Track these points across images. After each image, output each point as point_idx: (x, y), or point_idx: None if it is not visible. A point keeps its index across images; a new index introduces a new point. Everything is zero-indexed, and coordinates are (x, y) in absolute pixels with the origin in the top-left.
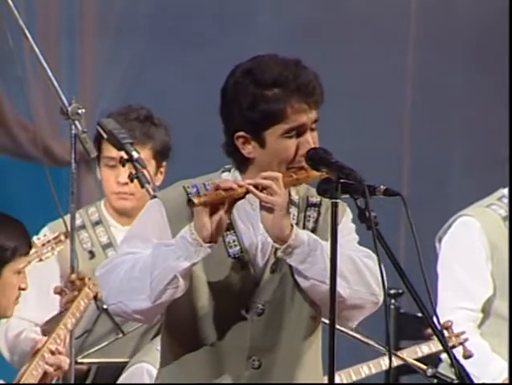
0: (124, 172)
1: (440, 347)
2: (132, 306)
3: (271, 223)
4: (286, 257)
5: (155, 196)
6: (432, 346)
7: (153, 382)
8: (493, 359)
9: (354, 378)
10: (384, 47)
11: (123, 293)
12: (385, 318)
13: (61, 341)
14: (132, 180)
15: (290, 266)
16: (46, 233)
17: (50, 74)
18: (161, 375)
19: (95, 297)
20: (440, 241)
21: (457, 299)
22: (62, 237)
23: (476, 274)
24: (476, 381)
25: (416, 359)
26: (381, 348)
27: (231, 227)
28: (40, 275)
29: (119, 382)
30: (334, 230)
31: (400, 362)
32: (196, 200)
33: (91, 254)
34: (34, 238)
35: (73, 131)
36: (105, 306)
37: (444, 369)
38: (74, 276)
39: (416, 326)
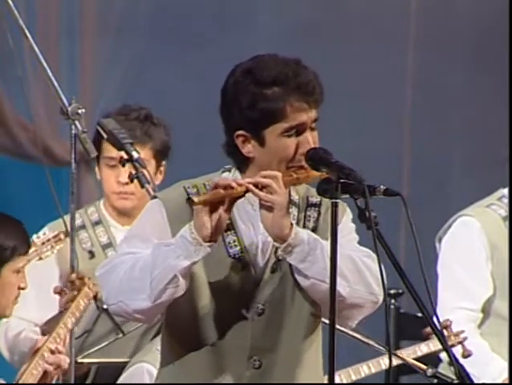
0: (125, 172)
1: (440, 346)
2: (133, 306)
3: (271, 222)
4: (286, 255)
5: (155, 197)
6: (431, 346)
7: (153, 382)
8: (493, 359)
9: (353, 378)
10: (384, 47)
11: (124, 293)
12: (385, 318)
13: (61, 340)
14: (132, 180)
15: (291, 266)
16: (45, 232)
17: (50, 74)
18: (161, 375)
19: (95, 297)
20: (440, 241)
21: (457, 299)
22: (62, 236)
23: (476, 274)
24: (476, 381)
25: (416, 359)
26: (381, 348)
27: (231, 227)
28: (40, 275)
29: (119, 382)
30: (334, 230)
31: (400, 362)
32: (195, 199)
33: (91, 254)
34: (34, 237)
35: (73, 131)
36: (105, 306)
37: (444, 369)
38: (73, 276)
39: (416, 326)
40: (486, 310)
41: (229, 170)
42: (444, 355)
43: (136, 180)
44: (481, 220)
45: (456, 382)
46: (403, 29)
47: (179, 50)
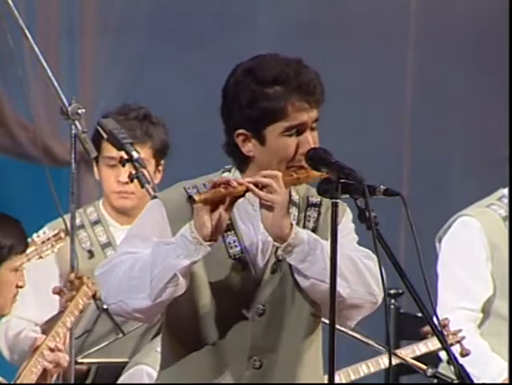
0: (125, 172)
1: (438, 345)
2: (133, 305)
3: (271, 221)
4: (285, 255)
5: (155, 197)
6: (429, 345)
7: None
8: (493, 359)
9: (353, 378)
10: (384, 47)
11: (123, 292)
12: (385, 318)
13: (60, 339)
14: (132, 180)
15: (291, 266)
16: (45, 231)
17: (50, 74)
18: (162, 376)
19: (94, 296)
20: (440, 241)
21: (457, 299)
22: (62, 234)
23: (476, 274)
24: (476, 381)
25: (416, 359)
26: (381, 348)
27: (232, 227)
28: (40, 275)
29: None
30: (334, 230)
31: (399, 361)
32: (196, 197)
33: (90, 254)
34: (34, 236)
35: (73, 131)
36: (105, 306)
37: (444, 369)
38: (72, 275)
39: (416, 326)
40: (486, 310)
41: (229, 170)
42: (444, 355)
43: (136, 180)
44: (481, 220)
45: (456, 382)
46: (403, 29)
47: (179, 50)
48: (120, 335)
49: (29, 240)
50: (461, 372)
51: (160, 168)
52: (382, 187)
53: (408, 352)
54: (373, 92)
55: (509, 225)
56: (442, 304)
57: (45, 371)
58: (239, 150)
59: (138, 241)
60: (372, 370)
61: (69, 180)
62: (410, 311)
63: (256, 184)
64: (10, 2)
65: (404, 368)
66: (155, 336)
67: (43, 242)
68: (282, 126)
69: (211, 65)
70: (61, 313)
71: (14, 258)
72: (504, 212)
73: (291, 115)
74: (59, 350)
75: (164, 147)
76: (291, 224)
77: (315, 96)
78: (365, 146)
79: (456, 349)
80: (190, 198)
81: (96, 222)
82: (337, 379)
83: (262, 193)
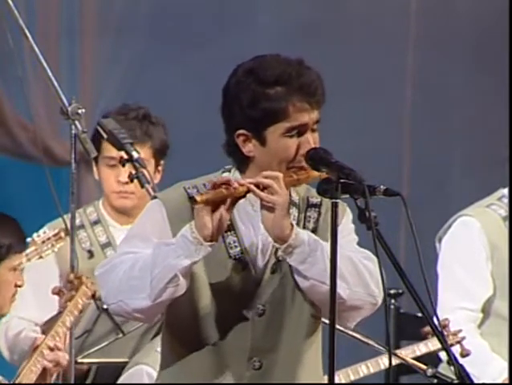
0: (124, 172)
1: (439, 346)
2: (133, 305)
3: (272, 222)
4: (286, 256)
5: (155, 197)
6: (430, 345)
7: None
8: (493, 359)
9: (352, 378)
10: (384, 47)
11: (123, 292)
12: (385, 318)
13: (60, 338)
14: (132, 180)
15: (291, 267)
16: (45, 230)
17: (50, 74)
18: (162, 376)
19: (93, 296)
20: (440, 241)
21: (457, 299)
22: (63, 234)
23: (476, 274)
24: (476, 381)
25: (416, 359)
26: (381, 348)
27: (232, 228)
28: (40, 275)
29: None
30: (334, 230)
31: (399, 362)
32: (198, 198)
33: (90, 254)
34: (34, 236)
35: (73, 131)
36: (105, 306)
37: (444, 369)
38: (71, 275)
39: (416, 326)
40: (486, 310)
41: (229, 170)
42: (444, 355)
43: (135, 180)
44: (481, 220)
45: (456, 382)
46: (403, 29)
47: (179, 50)
48: (120, 335)
49: (29, 240)
50: (461, 372)
51: (160, 168)
52: (382, 187)
53: (408, 352)
54: (373, 92)
55: (510, 225)
56: (442, 304)
57: (45, 370)
58: (239, 150)
59: (138, 241)
60: (372, 370)
61: (69, 180)
62: (410, 311)
63: (257, 185)
64: (10, 2)
65: (404, 368)
66: (155, 336)
67: (43, 242)
68: (283, 127)
69: (211, 65)
70: (61, 313)
71: (12, 257)
72: (504, 212)
73: (292, 115)
74: (59, 350)
75: (163, 147)
76: (292, 225)
77: (316, 97)
78: (365, 146)
79: (456, 349)
80: (192, 199)
81: (96, 222)
82: (336, 380)
83: (263, 194)
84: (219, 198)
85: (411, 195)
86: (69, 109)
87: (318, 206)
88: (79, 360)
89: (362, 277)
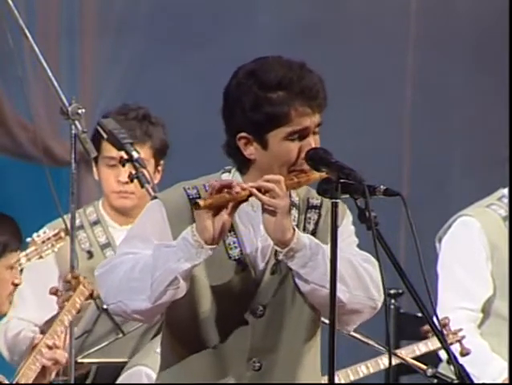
0: (124, 172)
1: (439, 345)
2: (132, 306)
3: (273, 226)
4: (287, 260)
5: (155, 197)
6: (429, 345)
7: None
8: (493, 359)
9: (352, 378)
10: (384, 47)
11: (123, 293)
12: (385, 318)
13: (58, 336)
14: (132, 180)
15: (291, 269)
16: (45, 230)
17: (50, 74)
18: (162, 377)
19: (92, 295)
20: (440, 241)
21: (457, 299)
22: (63, 234)
23: (476, 274)
24: (476, 381)
25: (416, 359)
26: (381, 348)
27: (232, 229)
28: (39, 276)
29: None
30: (334, 230)
31: (399, 361)
32: (201, 203)
33: (90, 254)
34: (34, 236)
35: (73, 131)
36: (105, 306)
37: (444, 369)
38: (69, 276)
39: (416, 326)
40: (486, 310)
41: (229, 171)
42: (444, 355)
43: (135, 180)
44: (481, 220)
45: (456, 382)
46: (403, 29)
47: (179, 50)
48: (120, 335)
49: (29, 240)
50: (461, 372)
51: (160, 168)
52: (382, 187)
53: (408, 352)
54: (373, 92)
55: (510, 225)
56: (442, 304)
57: (44, 369)
58: (240, 152)
59: (138, 242)
60: (372, 370)
61: (69, 180)
62: (410, 311)
63: (259, 189)
64: (10, 2)
65: (404, 368)
66: (155, 336)
67: (43, 242)
68: (285, 131)
69: (211, 65)
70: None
71: (8, 256)
72: (504, 212)
73: (294, 120)
74: (57, 348)
75: (163, 147)
76: (293, 229)
77: (318, 101)
78: (365, 146)
79: (456, 348)
80: (194, 204)
81: (96, 223)
82: (336, 380)
83: (264, 198)
84: (222, 203)
85: (411, 195)
86: (69, 109)
87: (318, 207)
88: (79, 360)
89: (362, 281)
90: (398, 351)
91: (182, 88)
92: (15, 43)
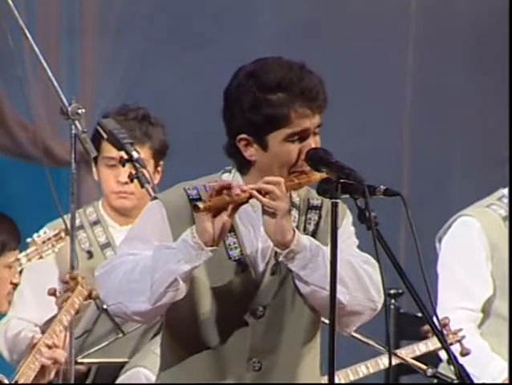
0: (124, 172)
1: (438, 345)
2: (132, 308)
3: (274, 228)
4: (287, 262)
5: (155, 198)
6: (429, 345)
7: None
8: (493, 359)
9: (351, 378)
10: (384, 47)
11: (123, 294)
12: (385, 318)
13: (57, 336)
14: (132, 180)
15: (291, 270)
16: (46, 231)
17: (50, 74)
18: (162, 377)
19: (90, 295)
20: (440, 241)
21: (457, 299)
22: (63, 234)
23: (476, 274)
24: (476, 381)
25: (416, 359)
26: (381, 348)
27: (232, 229)
28: (39, 276)
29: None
30: (334, 230)
31: (399, 361)
32: (201, 206)
33: (90, 254)
34: (35, 236)
35: (73, 131)
36: (105, 306)
37: (444, 369)
38: (67, 276)
39: (416, 326)
40: (486, 310)
41: (230, 171)
42: (444, 355)
43: (135, 180)
44: (481, 220)
45: (456, 382)
46: (403, 29)
47: (179, 50)
48: (120, 335)
49: (29, 240)
50: (461, 372)
51: (159, 168)
52: (382, 187)
53: (408, 352)
54: (373, 92)
55: (510, 225)
56: (442, 304)
57: (43, 368)
58: (240, 153)
59: (138, 242)
60: (372, 370)
61: (69, 180)
62: (410, 311)
63: (259, 191)
64: (10, 2)
65: (404, 368)
66: (154, 336)
67: (44, 242)
68: (285, 132)
69: (211, 65)
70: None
71: (7, 255)
72: (504, 212)
73: (294, 121)
74: (56, 347)
75: (163, 147)
76: (294, 231)
77: (318, 102)
78: (365, 146)
79: (456, 348)
80: (195, 207)
81: (95, 223)
82: (336, 380)
83: (265, 200)
84: (222, 205)
85: (411, 195)
86: (69, 109)
87: (318, 208)
88: (79, 360)
89: (362, 282)
90: (398, 351)
91: (182, 88)
92: (15, 43)
